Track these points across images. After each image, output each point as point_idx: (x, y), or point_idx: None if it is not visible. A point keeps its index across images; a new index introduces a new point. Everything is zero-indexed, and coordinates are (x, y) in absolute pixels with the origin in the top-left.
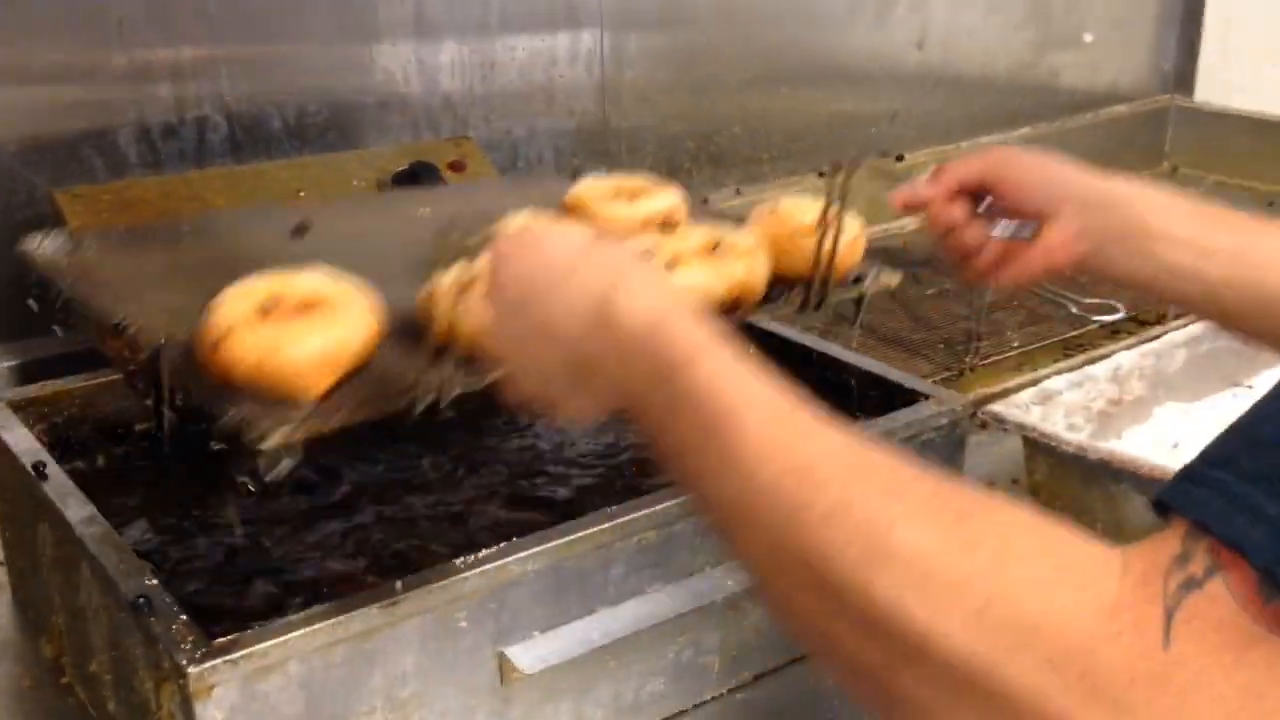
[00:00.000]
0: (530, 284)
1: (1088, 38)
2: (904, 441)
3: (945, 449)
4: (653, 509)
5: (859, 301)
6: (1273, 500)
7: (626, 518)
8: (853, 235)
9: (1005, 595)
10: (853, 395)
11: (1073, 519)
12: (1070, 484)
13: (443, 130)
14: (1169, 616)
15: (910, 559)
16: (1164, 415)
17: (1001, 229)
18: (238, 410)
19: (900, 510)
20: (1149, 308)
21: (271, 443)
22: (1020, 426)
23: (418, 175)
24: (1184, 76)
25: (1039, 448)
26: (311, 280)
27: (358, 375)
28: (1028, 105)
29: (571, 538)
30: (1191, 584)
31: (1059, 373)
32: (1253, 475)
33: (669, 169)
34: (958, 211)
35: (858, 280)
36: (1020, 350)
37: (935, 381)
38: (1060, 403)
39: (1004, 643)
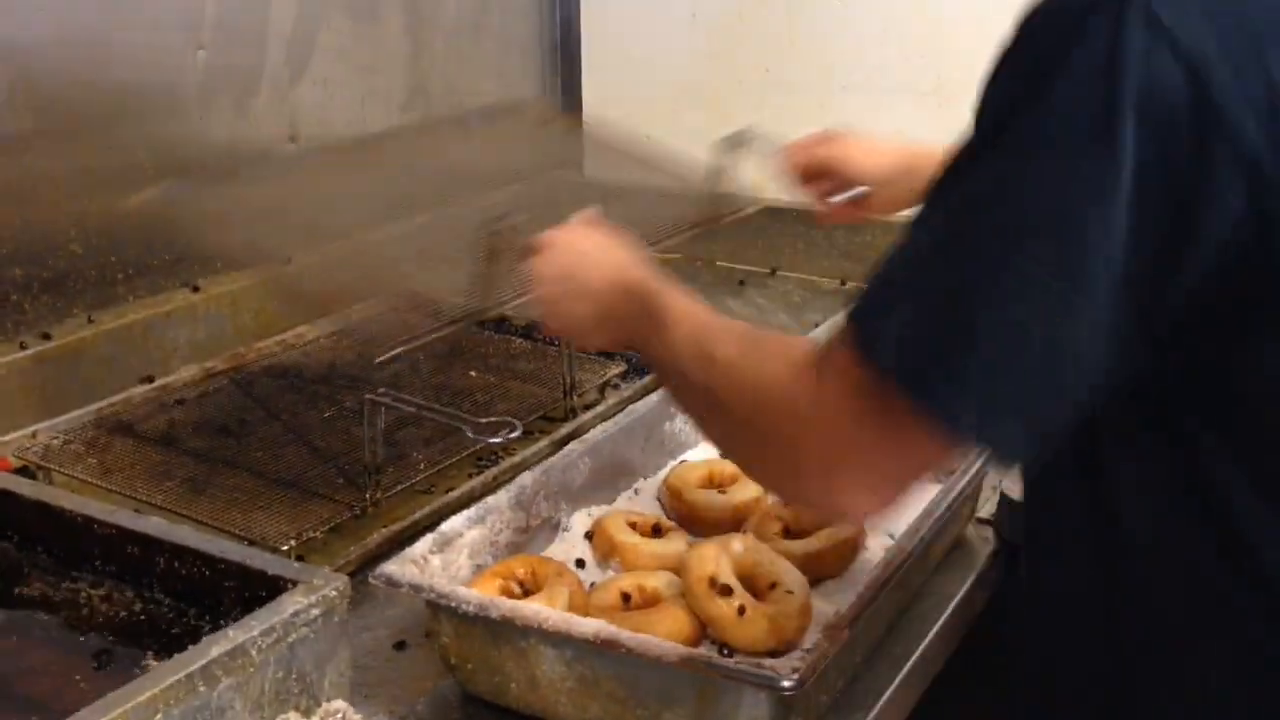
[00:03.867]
0: (573, 263)
1: (472, 119)
2: (269, 649)
3: (324, 641)
4: None
5: None
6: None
7: None
8: None
9: (760, 375)
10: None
11: (485, 677)
12: (477, 642)
13: None
14: (821, 367)
15: (726, 369)
16: (573, 531)
17: (843, 196)
18: None
19: (722, 346)
20: (549, 418)
21: None
22: (416, 588)
23: None
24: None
25: (440, 608)
26: None
27: None
28: (425, 190)
29: None
30: (829, 354)
31: (464, 502)
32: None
33: None
34: (818, 189)
35: None
36: (427, 473)
37: (332, 529)
38: (463, 545)
39: (763, 397)
